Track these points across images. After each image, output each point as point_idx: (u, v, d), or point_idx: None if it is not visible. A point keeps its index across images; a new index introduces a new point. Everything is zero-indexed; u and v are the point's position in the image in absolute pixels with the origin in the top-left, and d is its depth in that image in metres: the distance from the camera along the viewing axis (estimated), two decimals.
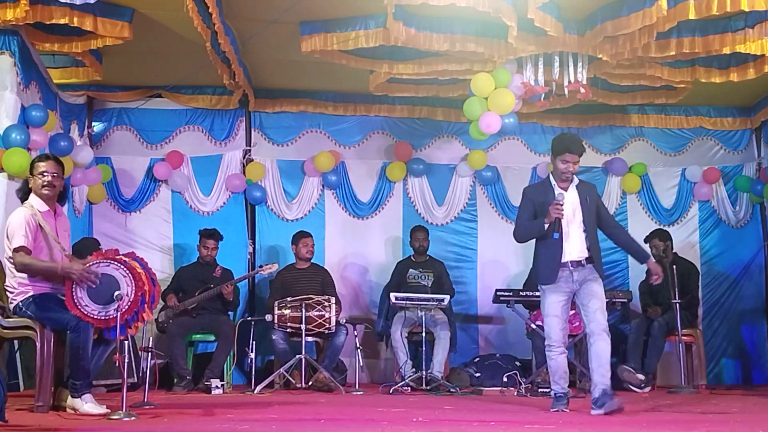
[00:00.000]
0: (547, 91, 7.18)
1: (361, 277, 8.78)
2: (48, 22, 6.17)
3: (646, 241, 7.83)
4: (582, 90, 7.05)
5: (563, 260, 5.09)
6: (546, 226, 5.09)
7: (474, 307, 8.79)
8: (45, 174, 4.98)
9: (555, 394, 5.21)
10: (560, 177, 5.21)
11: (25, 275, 4.87)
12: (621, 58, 6.85)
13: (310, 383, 7.07)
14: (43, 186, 4.98)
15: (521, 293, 7.38)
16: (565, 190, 5.20)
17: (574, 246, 5.12)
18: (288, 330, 7.20)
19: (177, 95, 8.42)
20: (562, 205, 5.06)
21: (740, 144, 9.11)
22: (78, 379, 4.80)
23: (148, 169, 8.50)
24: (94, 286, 4.75)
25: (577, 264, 5.10)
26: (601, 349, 5.00)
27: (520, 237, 5.35)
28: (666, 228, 8.40)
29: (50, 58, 7.30)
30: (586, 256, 5.11)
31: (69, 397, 4.83)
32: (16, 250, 4.83)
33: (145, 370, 5.74)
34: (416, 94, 8.17)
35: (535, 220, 5.21)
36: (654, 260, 5.23)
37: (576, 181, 5.26)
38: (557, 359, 5.16)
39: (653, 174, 9.05)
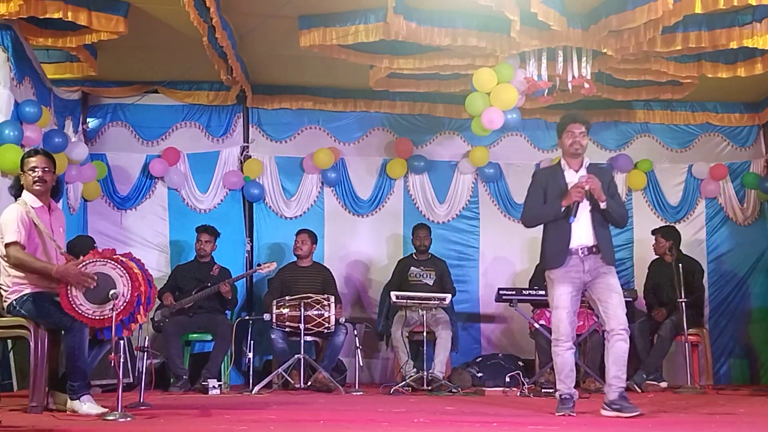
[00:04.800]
0: (550, 87, 7.19)
1: (361, 275, 8.78)
2: (42, 17, 6.16)
3: None
4: (586, 85, 7.04)
5: (572, 245, 4.90)
6: (562, 209, 4.91)
7: (476, 306, 8.79)
8: (35, 169, 4.98)
9: (560, 395, 4.96)
10: (570, 153, 5.00)
11: (19, 273, 4.87)
12: (626, 52, 6.85)
13: (309, 383, 7.06)
14: (35, 182, 4.98)
15: (525, 291, 7.39)
16: (576, 172, 4.99)
17: (583, 230, 4.92)
18: (286, 329, 7.19)
19: (173, 91, 8.43)
20: (584, 187, 4.84)
21: (748, 140, 9.10)
22: (75, 381, 4.80)
23: (144, 166, 8.50)
24: (92, 287, 4.74)
25: (588, 251, 4.90)
26: (621, 349, 4.81)
27: (529, 221, 5.14)
28: (673, 225, 8.38)
29: (44, 53, 7.29)
30: (594, 243, 4.91)
31: (68, 399, 4.82)
32: (8, 245, 4.83)
33: (141, 370, 5.69)
34: (417, 90, 8.16)
35: (548, 204, 4.99)
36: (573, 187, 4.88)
37: (587, 162, 5.06)
38: (564, 355, 4.95)
39: (659, 170, 9.04)
